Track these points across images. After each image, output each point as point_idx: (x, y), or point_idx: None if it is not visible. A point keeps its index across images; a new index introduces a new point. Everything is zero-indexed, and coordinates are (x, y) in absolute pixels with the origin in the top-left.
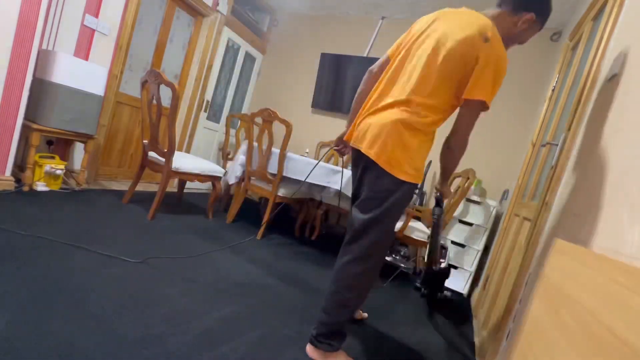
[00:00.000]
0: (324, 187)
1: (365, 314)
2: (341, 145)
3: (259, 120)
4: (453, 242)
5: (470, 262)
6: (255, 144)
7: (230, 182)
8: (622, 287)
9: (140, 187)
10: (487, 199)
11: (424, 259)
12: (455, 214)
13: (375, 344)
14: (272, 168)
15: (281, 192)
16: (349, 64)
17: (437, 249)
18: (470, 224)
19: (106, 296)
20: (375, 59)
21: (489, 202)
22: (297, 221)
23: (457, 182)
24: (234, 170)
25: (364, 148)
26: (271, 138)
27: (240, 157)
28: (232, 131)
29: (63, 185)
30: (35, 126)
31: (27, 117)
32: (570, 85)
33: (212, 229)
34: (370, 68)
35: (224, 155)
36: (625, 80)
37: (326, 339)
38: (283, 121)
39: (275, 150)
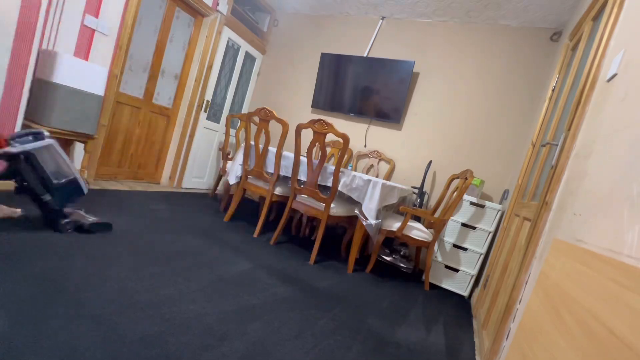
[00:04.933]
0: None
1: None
2: None
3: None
4: (455, 245)
5: (472, 265)
6: (252, 143)
7: (231, 182)
8: (622, 287)
9: (140, 187)
10: (491, 203)
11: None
12: (459, 217)
13: (375, 344)
14: (270, 167)
15: (278, 191)
16: (349, 64)
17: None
18: (473, 227)
19: (106, 296)
20: (376, 59)
21: (493, 206)
22: (294, 220)
23: (455, 182)
24: (234, 170)
25: None
26: (268, 137)
27: (240, 157)
28: (232, 131)
29: None
30: (35, 126)
31: (27, 117)
32: (570, 85)
33: (211, 228)
34: None
35: (224, 155)
36: (624, 80)
37: None
38: (279, 120)
39: (272, 149)
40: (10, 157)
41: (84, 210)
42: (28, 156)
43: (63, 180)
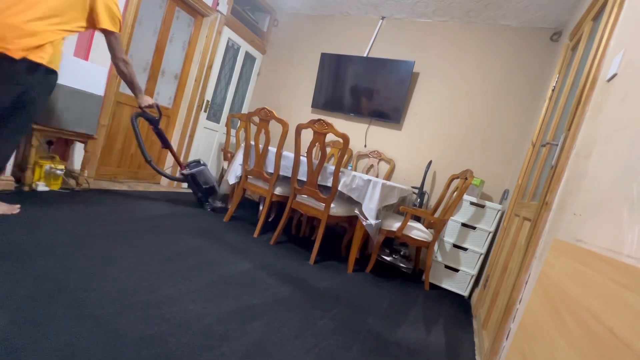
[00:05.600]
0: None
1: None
2: None
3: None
4: (455, 245)
5: (472, 264)
6: (252, 142)
7: (231, 182)
8: (622, 287)
9: (140, 187)
10: (491, 203)
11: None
12: (459, 217)
13: (375, 344)
14: (270, 167)
15: (278, 191)
16: (349, 64)
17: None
18: (473, 227)
19: (106, 296)
20: (376, 59)
21: (493, 206)
22: (294, 220)
23: (455, 182)
24: (234, 170)
25: None
26: (268, 137)
27: (240, 157)
28: (233, 131)
29: (63, 185)
30: (35, 126)
31: None
32: (570, 85)
33: (210, 228)
34: None
35: (225, 155)
36: (624, 80)
37: None
38: (279, 120)
39: (272, 149)
40: (185, 176)
41: (212, 200)
42: (193, 175)
43: (207, 186)
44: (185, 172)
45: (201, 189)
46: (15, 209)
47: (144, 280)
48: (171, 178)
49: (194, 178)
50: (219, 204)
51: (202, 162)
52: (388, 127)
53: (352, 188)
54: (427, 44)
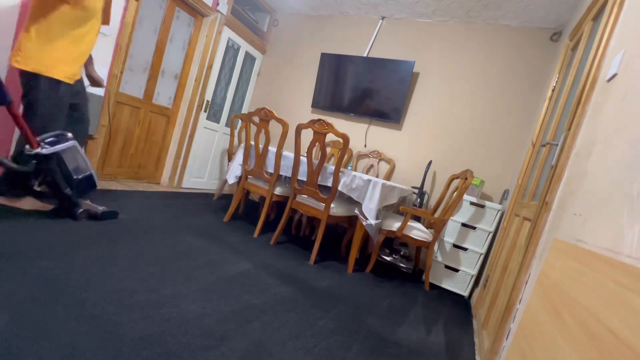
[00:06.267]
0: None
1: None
2: None
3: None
4: (455, 245)
5: (472, 265)
6: (252, 142)
7: (230, 182)
8: (622, 287)
9: (140, 187)
10: (491, 203)
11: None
12: (459, 217)
13: (375, 344)
14: (270, 167)
15: (278, 191)
16: (349, 64)
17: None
18: (473, 227)
19: (106, 296)
20: (376, 59)
21: (493, 206)
22: (294, 220)
23: (455, 182)
24: (233, 170)
25: None
26: (268, 137)
27: (240, 157)
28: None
29: None
30: None
31: None
32: (570, 85)
33: (210, 228)
34: None
35: (230, 157)
36: (624, 80)
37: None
38: (279, 120)
39: (272, 149)
40: (42, 158)
41: (89, 201)
42: (56, 156)
43: (81, 176)
44: (42, 150)
45: (70, 180)
46: (47, 206)
47: (144, 280)
48: (12, 168)
49: (60, 161)
50: (100, 208)
51: (68, 136)
52: (388, 127)
53: (352, 188)
54: (427, 44)
